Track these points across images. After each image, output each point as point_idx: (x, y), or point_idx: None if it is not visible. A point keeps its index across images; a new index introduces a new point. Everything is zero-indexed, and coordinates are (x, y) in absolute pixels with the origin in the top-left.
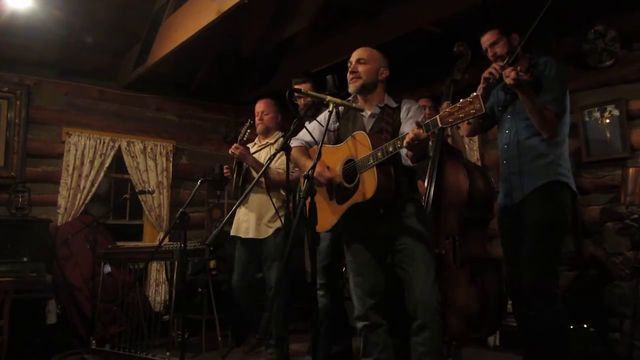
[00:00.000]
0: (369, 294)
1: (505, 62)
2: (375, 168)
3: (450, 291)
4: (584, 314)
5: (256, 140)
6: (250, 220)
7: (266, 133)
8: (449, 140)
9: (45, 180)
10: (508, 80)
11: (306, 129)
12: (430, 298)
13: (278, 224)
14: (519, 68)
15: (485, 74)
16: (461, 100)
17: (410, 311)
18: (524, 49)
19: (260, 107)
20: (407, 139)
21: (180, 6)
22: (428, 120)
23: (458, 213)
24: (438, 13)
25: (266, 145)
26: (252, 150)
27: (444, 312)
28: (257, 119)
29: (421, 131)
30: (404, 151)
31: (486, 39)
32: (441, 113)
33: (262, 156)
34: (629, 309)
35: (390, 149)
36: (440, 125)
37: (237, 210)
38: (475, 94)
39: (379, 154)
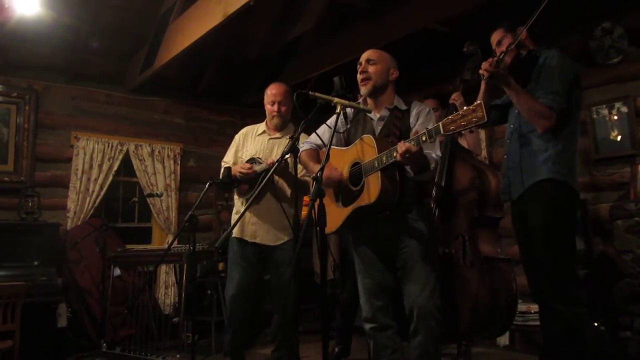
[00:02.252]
0: (376, 296)
1: (498, 56)
2: (380, 172)
3: (460, 290)
4: (595, 313)
5: (263, 128)
6: (259, 225)
7: (282, 127)
8: (465, 143)
9: (54, 185)
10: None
11: (316, 133)
12: (426, 303)
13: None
14: (489, 62)
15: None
16: (464, 107)
17: (407, 314)
18: (537, 42)
19: (278, 94)
20: (398, 153)
21: (186, 9)
22: (431, 128)
23: (468, 213)
24: (444, 12)
25: (281, 137)
26: (258, 138)
27: (442, 319)
28: (272, 106)
29: (410, 145)
30: None
31: (493, 39)
32: (443, 120)
33: (279, 150)
34: None
35: (395, 154)
36: (442, 132)
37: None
38: (478, 102)
39: (384, 158)
